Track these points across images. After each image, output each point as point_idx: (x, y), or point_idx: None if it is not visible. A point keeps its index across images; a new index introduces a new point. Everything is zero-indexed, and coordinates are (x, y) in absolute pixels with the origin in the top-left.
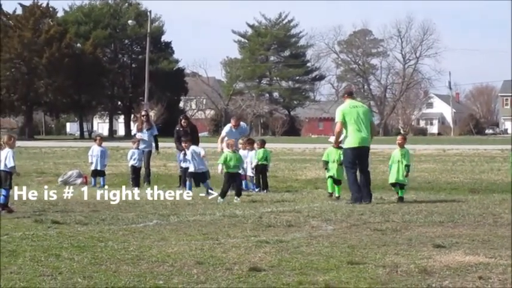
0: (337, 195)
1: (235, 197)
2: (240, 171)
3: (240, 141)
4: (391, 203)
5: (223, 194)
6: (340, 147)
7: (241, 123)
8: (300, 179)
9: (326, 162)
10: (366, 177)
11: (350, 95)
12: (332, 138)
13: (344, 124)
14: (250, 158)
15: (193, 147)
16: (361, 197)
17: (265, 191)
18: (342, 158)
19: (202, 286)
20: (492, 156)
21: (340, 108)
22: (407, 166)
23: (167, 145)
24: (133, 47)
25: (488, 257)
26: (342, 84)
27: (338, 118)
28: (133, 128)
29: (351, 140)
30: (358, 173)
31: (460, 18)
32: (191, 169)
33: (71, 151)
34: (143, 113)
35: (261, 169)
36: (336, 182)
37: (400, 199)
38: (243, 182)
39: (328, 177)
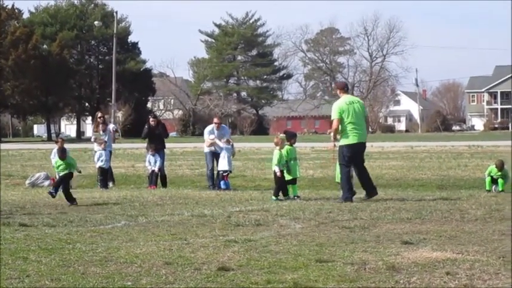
0: (297, 195)
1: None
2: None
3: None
4: (359, 201)
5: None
6: (291, 144)
7: (222, 124)
8: (269, 177)
9: (286, 162)
10: (364, 173)
11: (343, 89)
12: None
13: (341, 121)
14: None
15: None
16: (351, 196)
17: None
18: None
19: (170, 286)
20: (459, 153)
21: (337, 104)
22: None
23: (135, 146)
24: (100, 47)
25: (456, 252)
26: (310, 83)
27: (335, 115)
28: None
29: (349, 137)
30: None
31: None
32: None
33: (39, 153)
34: (99, 115)
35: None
36: (293, 181)
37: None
38: (222, 183)
39: (288, 181)
